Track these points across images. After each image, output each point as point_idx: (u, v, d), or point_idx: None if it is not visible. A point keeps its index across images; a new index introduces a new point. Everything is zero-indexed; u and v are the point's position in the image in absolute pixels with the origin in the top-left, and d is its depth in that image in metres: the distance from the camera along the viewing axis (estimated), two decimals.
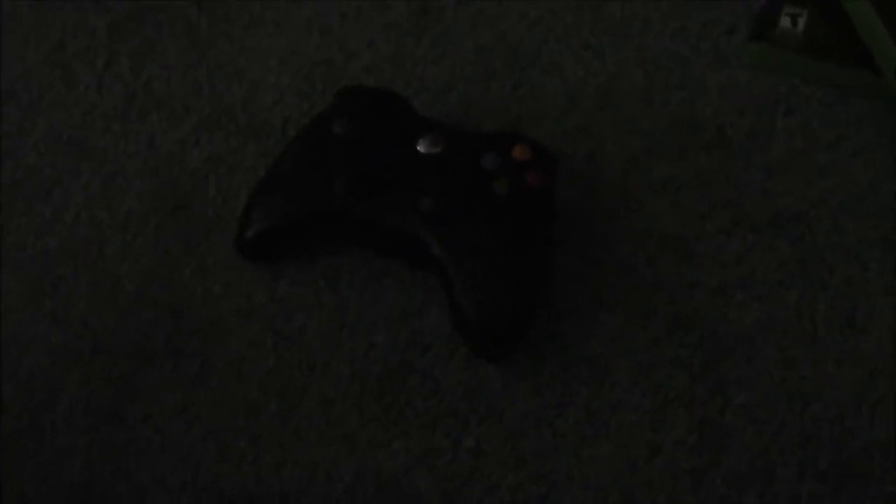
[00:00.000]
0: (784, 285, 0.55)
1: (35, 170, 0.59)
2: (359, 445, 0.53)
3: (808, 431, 0.52)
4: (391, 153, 0.55)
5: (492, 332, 0.53)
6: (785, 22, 0.58)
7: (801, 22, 0.58)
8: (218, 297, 0.56)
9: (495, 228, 0.54)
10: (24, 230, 0.58)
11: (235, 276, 0.57)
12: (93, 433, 0.54)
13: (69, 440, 0.53)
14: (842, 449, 0.52)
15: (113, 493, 0.52)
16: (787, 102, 0.59)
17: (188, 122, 0.60)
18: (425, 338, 0.55)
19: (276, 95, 0.61)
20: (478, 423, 0.53)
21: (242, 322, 0.56)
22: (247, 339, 0.55)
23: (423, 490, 0.52)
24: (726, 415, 0.53)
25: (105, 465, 0.53)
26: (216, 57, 0.62)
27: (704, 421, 0.53)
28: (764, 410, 0.53)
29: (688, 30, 0.61)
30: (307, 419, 0.54)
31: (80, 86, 0.61)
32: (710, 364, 0.54)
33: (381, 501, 0.52)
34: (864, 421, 0.52)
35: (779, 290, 0.55)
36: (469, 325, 0.53)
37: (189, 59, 0.62)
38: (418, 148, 0.56)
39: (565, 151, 0.58)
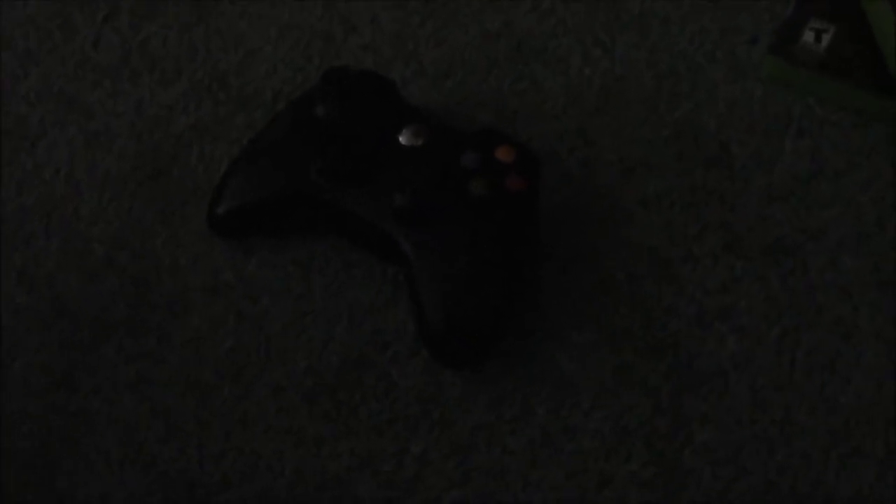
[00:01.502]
0: (768, 320, 0.52)
1: (23, 120, 0.59)
2: (304, 441, 0.52)
3: (770, 479, 0.49)
4: (372, 141, 0.53)
5: (450, 338, 0.51)
6: (808, 37, 0.54)
7: (826, 38, 0.54)
8: (185, 271, 0.55)
9: (467, 230, 0.51)
10: (4, 183, 0.57)
11: (205, 250, 0.55)
12: (44, 399, 0.53)
13: (21, 404, 0.53)
14: (804, 503, 0.49)
15: (58, 462, 0.52)
16: (800, 123, 0.55)
17: (179, 86, 0.59)
18: (387, 335, 0.53)
19: (271, 66, 0.59)
20: (429, 429, 0.51)
21: (206, 298, 0.54)
22: (208, 317, 0.54)
23: (363, 495, 0.50)
24: (686, 452, 0.50)
25: (53, 433, 0.52)
26: (216, 20, 0.60)
27: (663, 456, 0.50)
28: (727, 452, 0.50)
29: (706, 34, 0.57)
30: (257, 407, 0.52)
31: (78, 38, 0.60)
32: (677, 396, 0.51)
33: (318, 502, 0.50)
34: (831, 475, 0.49)
35: (761, 325, 0.52)
36: (427, 329, 0.51)
37: (189, 20, 0.60)
38: (400, 139, 0.53)
39: (559, 153, 0.56)
